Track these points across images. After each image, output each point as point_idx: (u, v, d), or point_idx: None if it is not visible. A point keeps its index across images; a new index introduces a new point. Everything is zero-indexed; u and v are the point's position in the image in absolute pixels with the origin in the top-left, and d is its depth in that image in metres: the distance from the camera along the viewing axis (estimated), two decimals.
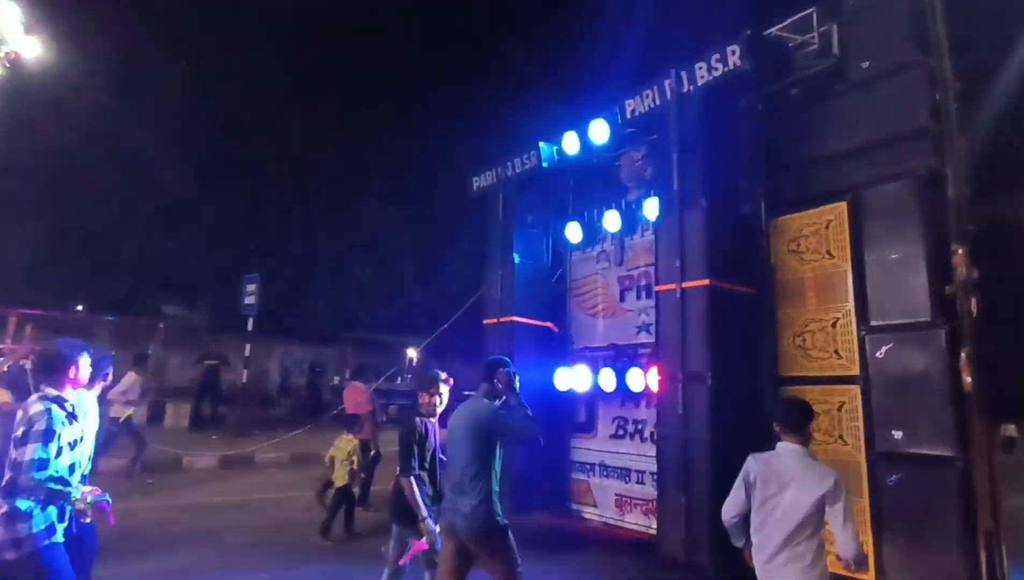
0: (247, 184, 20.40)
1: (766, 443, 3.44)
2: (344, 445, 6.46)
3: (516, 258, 6.96)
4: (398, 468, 3.75)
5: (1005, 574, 3.99)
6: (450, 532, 3.27)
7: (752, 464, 2.91)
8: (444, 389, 3.99)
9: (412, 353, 21.66)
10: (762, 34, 4.99)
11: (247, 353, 12.39)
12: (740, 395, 4.75)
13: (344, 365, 20.86)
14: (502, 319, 6.93)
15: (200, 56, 18.55)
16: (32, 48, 8.81)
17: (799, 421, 2.91)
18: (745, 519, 2.93)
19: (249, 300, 12.14)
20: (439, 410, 3.97)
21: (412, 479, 3.63)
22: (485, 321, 7.18)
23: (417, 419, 3.88)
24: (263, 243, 20.04)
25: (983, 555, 3.91)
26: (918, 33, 4.53)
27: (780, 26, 5.09)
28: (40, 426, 2.66)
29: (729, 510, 2.96)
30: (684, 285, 4.87)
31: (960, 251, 4.20)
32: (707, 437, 4.48)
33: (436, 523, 3.57)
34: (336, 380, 20.22)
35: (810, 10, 5.05)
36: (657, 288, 5.18)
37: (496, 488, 3.24)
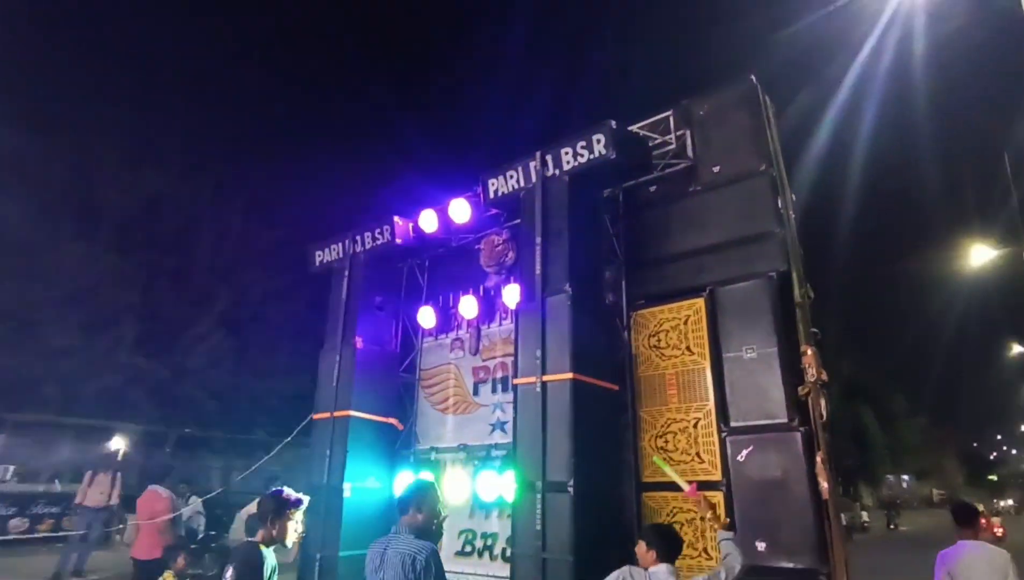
0: None
1: (630, 557, 3.08)
2: None
3: (358, 342, 6.11)
4: None
5: None
6: None
7: None
8: (298, 517, 3.24)
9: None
10: (626, 128, 5.03)
11: None
12: (604, 504, 4.25)
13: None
14: (336, 413, 5.92)
15: None
16: None
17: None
18: None
19: None
20: (293, 541, 3.26)
21: None
22: (315, 415, 6.11)
23: (262, 549, 3.07)
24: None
25: None
26: (760, 144, 4.82)
27: (641, 124, 5.20)
28: None
29: None
30: (545, 378, 4.40)
31: (809, 352, 4.23)
32: (570, 559, 3.84)
33: None
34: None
35: (667, 113, 5.24)
36: (515, 381, 4.65)
37: None
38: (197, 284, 19.83)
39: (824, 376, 4.13)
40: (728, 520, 3.62)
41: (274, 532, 3.20)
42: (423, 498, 2.88)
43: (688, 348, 4.77)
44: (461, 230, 6.26)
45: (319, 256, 6.77)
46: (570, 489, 4.05)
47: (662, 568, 2.92)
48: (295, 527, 3.27)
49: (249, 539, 3.22)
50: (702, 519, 4.32)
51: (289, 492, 3.34)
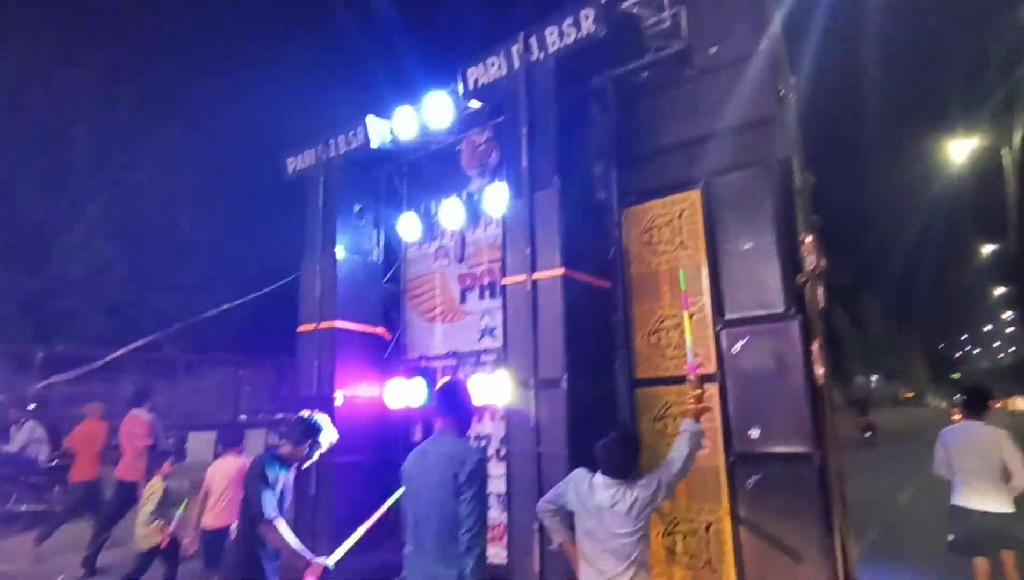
0: None
1: None
2: (147, 493, 5.17)
3: (340, 253, 5.87)
4: (250, 516, 3.12)
5: (854, 568, 3.88)
6: None
7: None
8: (326, 442, 3.43)
9: None
10: (616, 4, 4.62)
11: None
12: (597, 400, 4.23)
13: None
14: (321, 325, 5.78)
15: None
16: None
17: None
18: None
19: None
20: (307, 464, 3.43)
21: (280, 520, 3.10)
22: (300, 328, 5.96)
23: (271, 460, 3.22)
24: None
25: (839, 550, 3.74)
26: (760, 21, 4.46)
27: (632, 1, 4.77)
28: None
29: None
30: (535, 276, 4.24)
31: (808, 240, 4.10)
32: (564, 452, 3.85)
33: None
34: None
35: None
36: (505, 281, 4.49)
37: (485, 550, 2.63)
38: (80, 183, 17.01)
39: (823, 263, 4.03)
40: (702, 408, 3.33)
41: (296, 453, 3.34)
42: (457, 397, 2.87)
43: (682, 243, 4.61)
44: (440, 131, 5.89)
45: (291, 164, 6.39)
46: (563, 385, 4.00)
47: (600, 479, 2.96)
48: (319, 452, 3.45)
49: (271, 448, 3.35)
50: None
51: (319, 419, 3.43)
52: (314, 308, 5.86)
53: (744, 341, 4.20)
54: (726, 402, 4.21)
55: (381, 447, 5.71)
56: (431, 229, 6.18)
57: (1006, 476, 4.26)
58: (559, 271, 4.13)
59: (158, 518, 5.01)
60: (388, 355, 6.15)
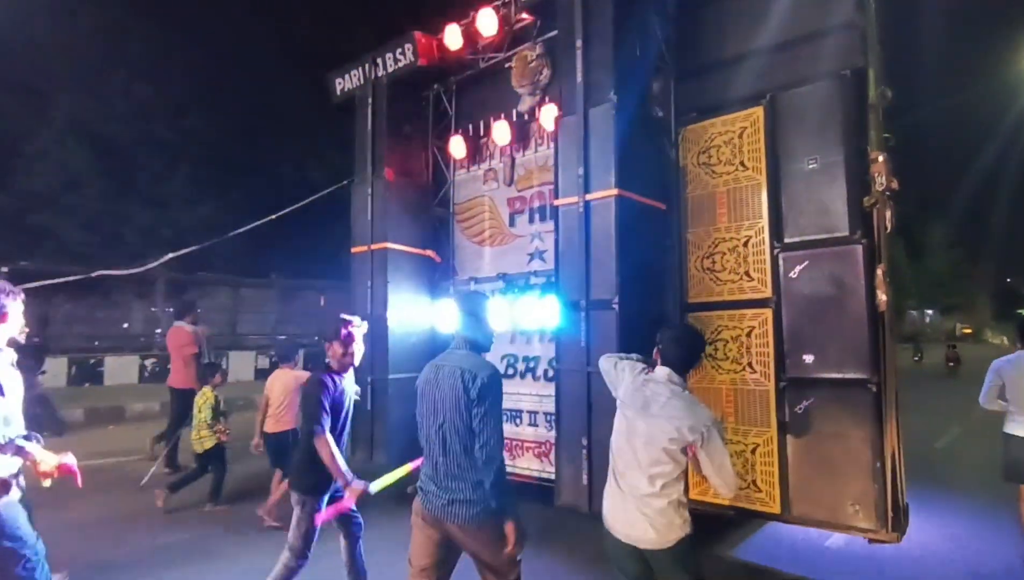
0: None
1: None
2: (200, 402, 5.55)
3: (390, 174, 5.89)
4: (305, 427, 3.23)
5: (904, 493, 3.89)
6: (435, 522, 2.56)
7: None
8: (359, 336, 3.41)
9: None
10: None
11: None
12: (648, 324, 4.20)
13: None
14: (373, 246, 5.89)
15: None
16: None
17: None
18: None
19: None
20: (356, 362, 3.44)
21: (327, 436, 3.15)
22: (353, 249, 6.10)
23: (326, 376, 3.29)
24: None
25: (889, 476, 3.74)
26: None
27: None
28: None
29: None
30: (588, 197, 4.17)
31: (880, 159, 3.86)
32: None
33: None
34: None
35: None
36: (557, 202, 4.44)
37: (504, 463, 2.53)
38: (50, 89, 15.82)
39: (895, 184, 3.81)
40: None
41: (343, 358, 3.35)
42: (475, 312, 2.70)
43: (742, 163, 4.42)
44: (489, 47, 5.69)
45: (339, 84, 6.32)
46: (615, 306, 4.00)
47: (662, 372, 2.64)
48: (359, 348, 3.43)
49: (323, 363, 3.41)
50: (748, 335, 4.30)
51: (347, 316, 3.46)
52: (366, 229, 5.96)
53: (803, 265, 4.07)
54: (780, 327, 4.14)
55: None
56: (480, 151, 6.10)
57: None
58: (613, 192, 4.04)
59: (214, 425, 5.44)
60: (438, 277, 6.26)
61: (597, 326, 4.09)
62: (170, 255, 6.86)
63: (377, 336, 5.67)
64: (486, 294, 2.84)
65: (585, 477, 4.14)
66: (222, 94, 17.39)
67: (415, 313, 6.01)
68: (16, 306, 2.65)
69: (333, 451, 3.16)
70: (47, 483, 2.47)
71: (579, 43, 4.26)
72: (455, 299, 2.87)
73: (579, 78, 4.25)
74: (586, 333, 4.14)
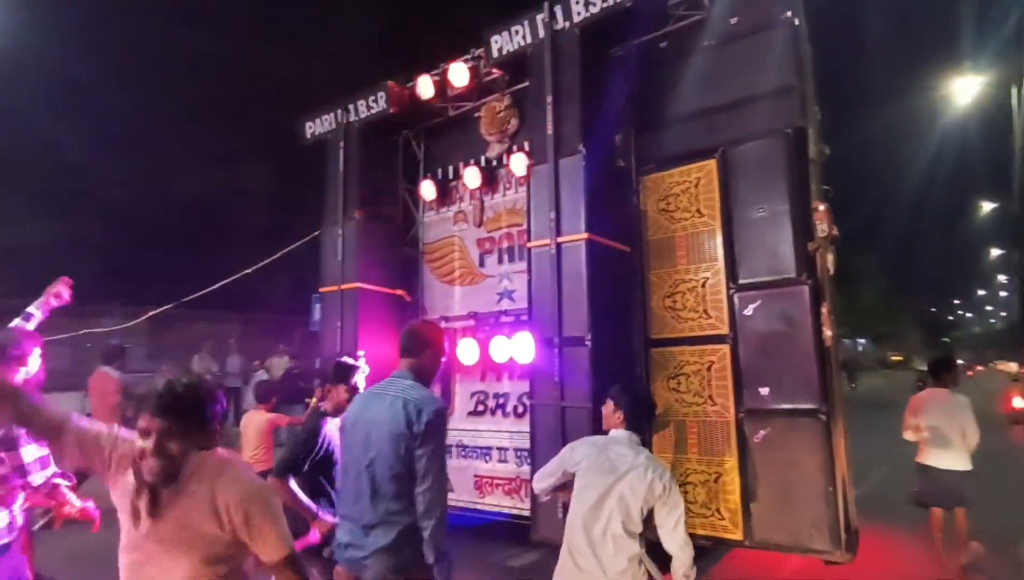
0: None
1: None
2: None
3: (361, 216, 6.03)
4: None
5: (854, 515, 4.21)
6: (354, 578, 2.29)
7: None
8: (362, 379, 3.34)
9: None
10: None
11: None
12: (617, 357, 4.47)
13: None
14: (344, 286, 5.98)
15: None
16: None
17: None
18: None
19: None
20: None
21: (287, 482, 3.03)
22: (322, 289, 6.16)
23: (322, 422, 3.22)
24: None
25: (841, 500, 4.05)
26: None
27: None
28: None
29: None
30: (560, 240, 4.43)
31: (821, 208, 4.29)
32: (589, 405, 4.10)
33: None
34: None
35: None
36: (529, 244, 4.69)
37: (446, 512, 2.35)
38: None
39: (835, 231, 4.23)
40: None
41: (339, 401, 3.28)
42: (424, 340, 2.50)
43: (698, 210, 4.79)
44: (459, 97, 5.98)
45: (310, 128, 6.48)
46: (587, 343, 4.23)
47: (622, 434, 2.63)
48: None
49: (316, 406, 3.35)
50: (708, 370, 4.60)
51: (350, 360, 3.47)
52: (336, 269, 6.05)
53: (756, 304, 4.42)
54: (737, 362, 4.46)
55: None
56: (449, 194, 6.32)
57: (964, 437, 4.65)
58: (583, 236, 4.32)
59: None
60: (408, 316, 6.36)
61: (570, 362, 4.31)
62: None
63: None
64: (437, 324, 2.68)
65: (560, 511, 4.28)
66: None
67: (386, 352, 6.08)
68: (36, 351, 2.80)
69: (294, 492, 3.07)
70: (58, 526, 2.58)
71: (549, 98, 4.58)
72: (404, 331, 2.62)
73: (549, 130, 4.56)
74: (560, 369, 4.34)
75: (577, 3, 4.53)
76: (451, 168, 6.27)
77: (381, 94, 5.91)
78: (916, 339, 59.26)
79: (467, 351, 5.72)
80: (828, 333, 4.18)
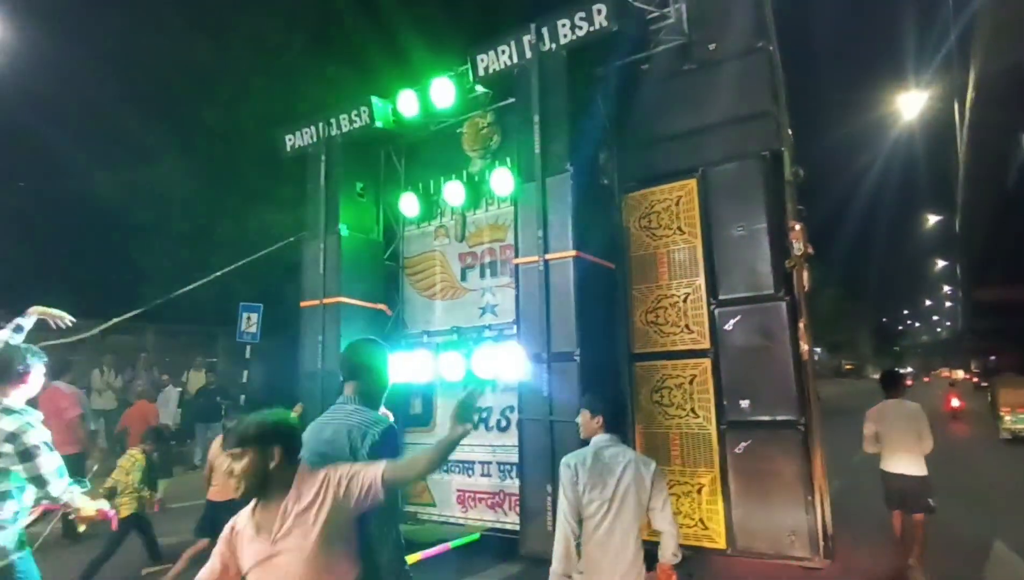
0: None
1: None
2: (127, 464, 5.23)
3: (343, 230, 5.99)
4: None
5: (830, 522, 4.37)
6: None
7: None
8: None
9: None
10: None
11: None
12: (605, 371, 4.56)
13: None
14: (325, 301, 5.92)
15: None
16: None
17: None
18: None
19: None
20: None
21: None
22: (303, 303, 6.09)
23: None
24: None
25: (819, 508, 4.21)
26: (760, 19, 4.77)
27: None
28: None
29: None
30: (548, 257, 4.51)
31: (797, 227, 4.49)
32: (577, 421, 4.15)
33: None
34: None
35: None
36: (517, 261, 4.75)
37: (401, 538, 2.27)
38: None
39: (810, 250, 4.43)
40: None
41: None
42: (370, 358, 2.37)
43: (679, 228, 4.95)
44: (441, 113, 6.02)
45: (290, 140, 6.42)
46: (576, 358, 4.31)
47: (606, 438, 2.72)
48: None
49: None
50: (690, 383, 4.74)
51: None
52: (318, 284, 5.99)
53: (736, 319, 4.59)
54: (719, 375, 4.61)
55: None
56: (430, 209, 6.34)
57: (920, 442, 4.81)
58: (571, 253, 4.41)
59: (141, 489, 5.15)
60: (390, 330, 6.34)
61: (559, 376, 4.37)
62: None
63: (330, 390, 5.64)
64: (381, 342, 2.50)
65: (550, 524, 4.32)
66: None
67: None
68: (38, 369, 2.80)
69: None
70: (82, 528, 2.78)
71: (536, 118, 4.68)
72: (344, 351, 2.46)
73: (537, 149, 4.65)
74: (548, 383, 4.41)
75: (564, 25, 4.65)
76: (431, 183, 6.30)
77: (364, 108, 5.90)
78: (868, 348, 61.60)
79: (451, 366, 5.72)
80: (805, 347, 4.37)
